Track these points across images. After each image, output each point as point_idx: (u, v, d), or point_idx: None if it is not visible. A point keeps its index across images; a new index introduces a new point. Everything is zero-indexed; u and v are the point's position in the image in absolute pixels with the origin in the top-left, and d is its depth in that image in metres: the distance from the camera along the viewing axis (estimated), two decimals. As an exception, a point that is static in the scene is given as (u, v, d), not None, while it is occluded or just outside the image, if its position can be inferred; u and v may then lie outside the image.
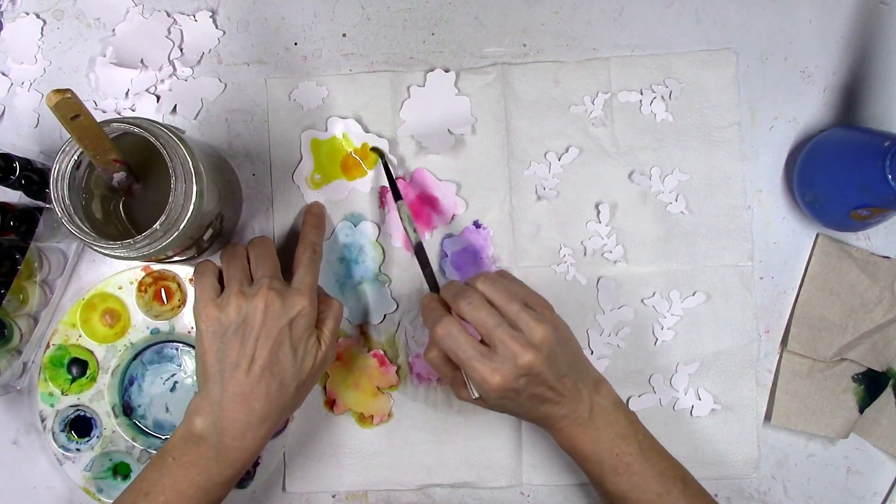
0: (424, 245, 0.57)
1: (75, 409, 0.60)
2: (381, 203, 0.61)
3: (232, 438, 0.48)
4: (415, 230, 0.56)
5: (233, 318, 0.50)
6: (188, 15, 0.62)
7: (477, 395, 0.51)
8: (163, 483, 0.48)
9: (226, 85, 0.62)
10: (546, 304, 0.53)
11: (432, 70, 0.61)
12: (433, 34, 0.62)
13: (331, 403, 0.61)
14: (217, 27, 0.62)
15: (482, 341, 0.49)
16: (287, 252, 0.58)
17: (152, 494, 0.48)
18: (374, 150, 0.60)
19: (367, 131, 0.61)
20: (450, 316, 0.50)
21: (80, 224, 0.48)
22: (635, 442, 0.51)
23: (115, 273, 0.60)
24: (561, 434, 0.52)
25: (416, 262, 0.57)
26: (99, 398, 0.60)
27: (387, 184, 0.60)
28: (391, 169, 0.59)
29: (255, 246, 0.54)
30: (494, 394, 0.49)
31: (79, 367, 0.60)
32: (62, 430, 0.60)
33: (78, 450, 0.60)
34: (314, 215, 0.59)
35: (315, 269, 0.55)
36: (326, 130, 0.61)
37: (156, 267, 0.60)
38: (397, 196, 0.58)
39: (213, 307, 0.50)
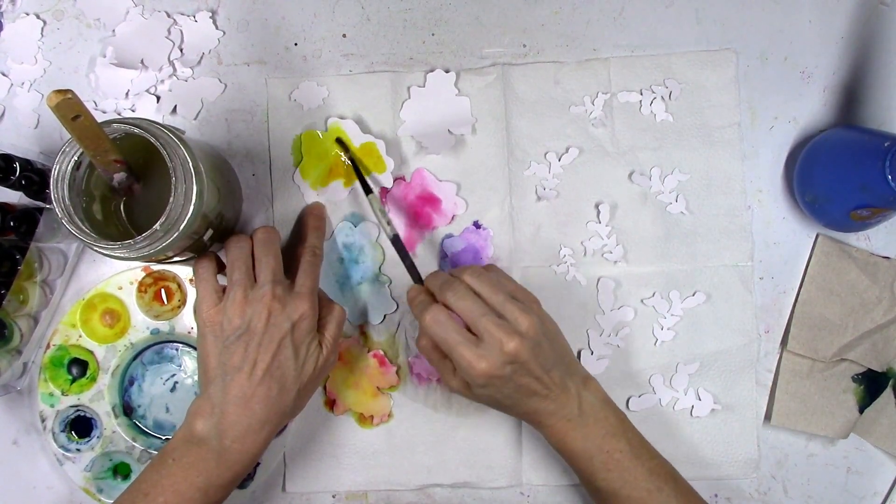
0: (424, 245, 0.57)
1: (75, 409, 0.60)
2: (382, 203, 0.61)
3: (232, 441, 0.48)
4: (388, 223, 0.57)
5: (236, 324, 0.50)
6: (188, 15, 0.62)
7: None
8: (162, 484, 0.48)
9: (226, 85, 0.62)
10: (533, 298, 0.53)
11: (432, 70, 0.61)
12: (433, 34, 0.62)
13: (331, 403, 0.61)
14: (217, 27, 0.62)
15: (470, 331, 0.50)
16: (287, 252, 0.58)
17: (151, 495, 0.48)
18: (338, 141, 0.60)
19: (367, 132, 0.61)
20: (438, 304, 0.51)
21: (80, 224, 0.48)
22: (625, 439, 0.51)
23: (115, 273, 0.60)
24: (550, 431, 0.52)
25: (416, 263, 0.57)
26: (99, 398, 0.60)
27: (387, 184, 0.60)
28: (356, 163, 0.59)
29: (260, 242, 0.54)
30: (480, 380, 0.49)
31: (79, 368, 0.60)
32: (62, 431, 0.60)
33: (78, 450, 0.60)
34: (314, 216, 0.59)
35: (315, 272, 0.55)
36: (326, 131, 0.61)
37: (156, 267, 0.60)
38: (367, 190, 0.58)
39: (216, 311, 0.51)
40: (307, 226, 0.58)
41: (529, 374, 0.49)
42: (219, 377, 0.49)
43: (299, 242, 0.57)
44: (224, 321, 0.50)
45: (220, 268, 0.54)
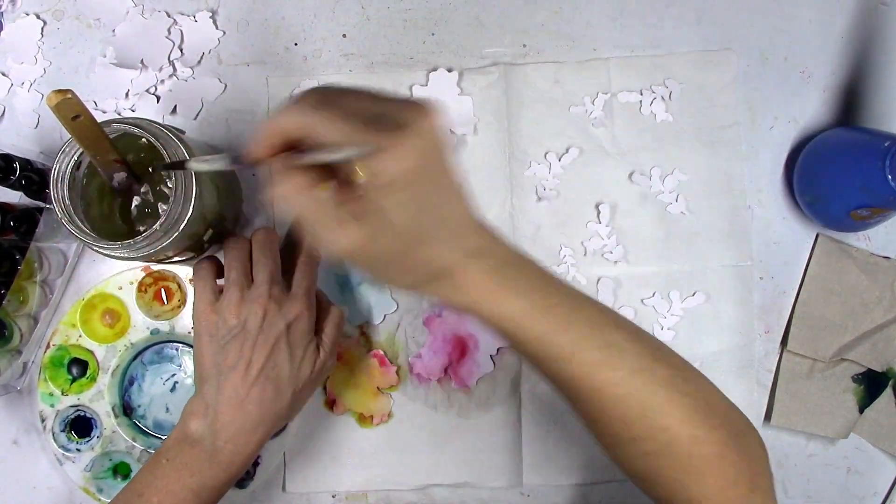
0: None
1: (75, 409, 0.60)
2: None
3: (225, 441, 0.48)
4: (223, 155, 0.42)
5: (231, 324, 0.50)
6: (188, 15, 0.62)
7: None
8: (156, 484, 0.48)
9: (226, 85, 0.62)
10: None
11: (435, 70, 0.61)
12: (433, 34, 0.62)
13: (331, 403, 0.61)
14: (217, 27, 0.62)
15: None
16: (285, 254, 0.57)
17: (145, 495, 0.47)
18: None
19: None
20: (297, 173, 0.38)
21: (80, 224, 0.48)
22: (558, 292, 0.41)
23: (115, 273, 0.60)
24: (465, 285, 0.39)
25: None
26: (99, 398, 0.60)
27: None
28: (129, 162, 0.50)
29: (258, 243, 0.54)
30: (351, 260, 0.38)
31: (79, 368, 0.60)
32: (62, 430, 0.60)
33: (78, 450, 0.60)
34: None
35: (312, 273, 0.54)
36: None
37: (156, 267, 0.60)
38: (176, 166, 0.47)
39: (212, 311, 0.50)
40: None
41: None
42: (213, 377, 0.49)
43: (297, 244, 0.57)
44: (219, 321, 0.50)
45: (220, 270, 0.54)
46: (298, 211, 0.37)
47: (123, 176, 0.50)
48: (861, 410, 0.60)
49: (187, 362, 0.61)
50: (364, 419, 0.61)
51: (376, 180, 0.35)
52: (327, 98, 0.36)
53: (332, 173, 0.38)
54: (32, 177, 0.57)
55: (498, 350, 0.60)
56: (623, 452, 0.43)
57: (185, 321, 0.60)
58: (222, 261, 0.54)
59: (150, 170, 0.52)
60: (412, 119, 0.35)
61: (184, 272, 0.60)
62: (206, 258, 0.54)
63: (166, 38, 0.61)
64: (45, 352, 0.60)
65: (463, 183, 0.40)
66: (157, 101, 0.61)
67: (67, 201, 0.48)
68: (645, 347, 0.41)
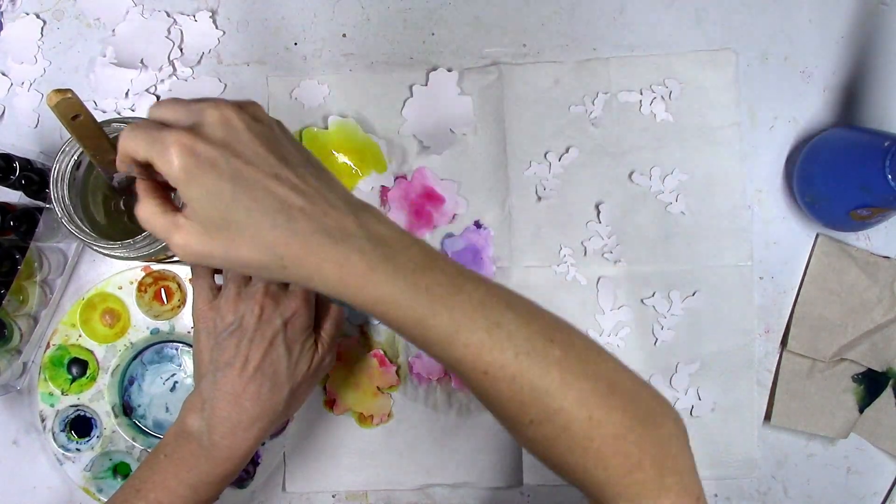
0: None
1: (75, 409, 0.60)
2: (382, 202, 0.61)
3: (221, 437, 0.48)
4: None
5: (228, 321, 0.50)
6: (188, 15, 0.62)
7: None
8: (154, 480, 0.48)
9: (226, 85, 0.62)
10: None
11: (435, 69, 0.61)
12: (433, 34, 0.62)
13: (331, 403, 0.61)
14: (217, 27, 0.62)
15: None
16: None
17: (143, 491, 0.48)
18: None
19: (369, 130, 0.61)
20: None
21: (80, 224, 0.48)
22: (438, 269, 0.39)
23: (115, 273, 0.60)
24: (342, 273, 0.37)
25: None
26: (99, 398, 0.60)
27: (388, 183, 0.60)
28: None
29: None
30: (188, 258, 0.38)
31: (79, 367, 0.60)
32: (62, 430, 0.60)
33: (78, 450, 0.60)
34: None
35: None
36: (327, 129, 0.61)
37: (156, 267, 0.60)
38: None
39: (209, 308, 0.51)
40: None
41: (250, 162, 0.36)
42: (210, 373, 0.49)
43: None
44: (217, 318, 0.50)
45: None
46: (149, 228, 0.38)
47: (123, 176, 0.50)
48: (861, 410, 0.60)
49: (187, 362, 0.61)
50: (364, 419, 0.61)
51: (170, 180, 0.37)
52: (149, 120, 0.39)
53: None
54: (32, 177, 0.57)
55: (498, 350, 0.60)
56: (523, 436, 0.42)
57: (185, 321, 0.60)
58: None
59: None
60: (195, 116, 0.37)
61: (184, 272, 0.60)
62: None
63: (166, 37, 0.61)
64: (45, 352, 0.60)
65: (301, 165, 0.38)
66: (157, 101, 0.61)
67: (67, 201, 0.48)
68: (539, 328, 0.40)
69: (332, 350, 0.54)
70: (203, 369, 0.50)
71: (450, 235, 0.61)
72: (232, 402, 0.48)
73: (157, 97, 0.61)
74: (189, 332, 0.60)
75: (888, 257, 0.60)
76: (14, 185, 0.57)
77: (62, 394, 0.60)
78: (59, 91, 0.41)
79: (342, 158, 0.61)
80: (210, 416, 0.48)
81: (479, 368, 0.39)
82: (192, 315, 0.52)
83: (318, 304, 0.54)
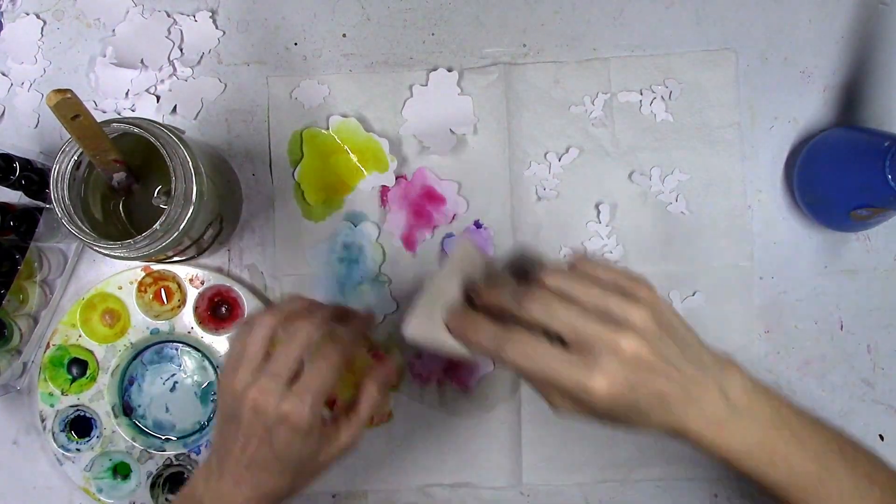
0: (425, 244, 0.56)
1: (75, 409, 0.60)
2: (382, 202, 0.61)
3: None
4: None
5: (228, 402, 0.47)
6: (188, 15, 0.62)
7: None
8: None
9: (226, 85, 0.62)
10: (640, 279, 0.44)
11: (435, 69, 0.61)
12: (433, 34, 0.62)
13: (331, 403, 0.61)
14: (217, 27, 0.62)
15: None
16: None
17: None
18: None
19: (370, 130, 0.61)
20: (519, 331, 0.42)
21: (80, 224, 0.48)
22: (786, 427, 0.44)
23: (115, 273, 0.60)
24: (698, 437, 0.43)
25: (416, 263, 0.56)
26: (99, 398, 0.60)
27: (389, 183, 0.60)
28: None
29: (286, 330, 0.47)
30: (604, 402, 0.40)
31: (79, 367, 0.60)
32: (62, 430, 0.60)
33: (78, 450, 0.60)
34: (357, 316, 0.53)
35: (324, 370, 0.47)
36: (328, 129, 0.61)
37: (156, 267, 0.60)
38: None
39: (223, 378, 0.48)
40: (352, 319, 0.52)
41: (657, 374, 0.40)
42: (220, 447, 0.48)
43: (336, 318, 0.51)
44: (227, 393, 0.47)
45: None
46: (541, 367, 0.41)
47: (123, 176, 0.50)
48: (861, 410, 0.60)
49: (187, 362, 0.61)
50: (364, 419, 0.61)
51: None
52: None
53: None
54: (32, 177, 0.57)
55: (498, 350, 0.60)
56: None
57: (184, 321, 0.60)
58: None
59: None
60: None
61: (184, 272, 0.60)
62: (252, 318, 0.49)
63: (166, 37, 0.61)
64: (44, 352, 0.60)
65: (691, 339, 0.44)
66: (157, 101, 0.61)
67: (67, 201, 0.48)
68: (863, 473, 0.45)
69: (362, 430, 0.50)
70: (214, 439, 0.49)
71: (450, 235, 0.61)
72: (231, 483, 0.47)
73: (158, 97, 0.61)
74: (189, 332, 0.60)
75: None
76: (14, 185, 0.57)
77: (62, 394, 0.60)
78: (59, 91, 0.41)
79: (344, 158, 0.61)
80: (216, 487, 0.47)
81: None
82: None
83: (369, 367, 0.51)
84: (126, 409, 0.61)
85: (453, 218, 0.61)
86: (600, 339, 0.40)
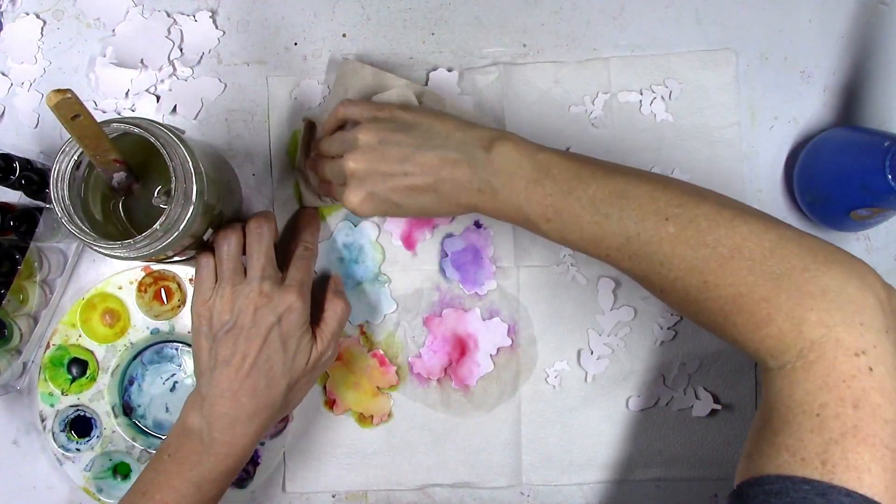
0: (425, 244, 0.56)
1: (75, 409, 0.60)
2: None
3: (221, 433, 0.49)
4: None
5: (224, 319, 0.50)
6: (188, 15, 0.62)
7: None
8: (159, 481, 0.48)
9: (226, 85, 0.62)
10: (383, 107, 0.52)
11: (435, 69, 0.61)
12: (433, 34, 0.62)
13: (331, 403, 0.61)
14: (217, 27, 0.62)
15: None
16: (281, 249, 0.57)
17: (149, 493, 0.48)
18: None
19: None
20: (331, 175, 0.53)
21: (80, 224, 0.48)
22: (548, 179, 0.46)
23: (115, 273, 0.60)
24: (481, 209, 0.49)
25: (416, 262, 0.56)
26: (99, 398, 0.60)
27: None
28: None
29: (252, 234, 0.53)
30: (363, 211, 0.50)
31: (79, 367, 0.60)
32: (62, 430, 0.60)
33: (78, 450, 0.60)
34: (307, 214, 0.60)
35: (306, 266, 0.55)
36: (326, 130, 0.61)
37: (156, 267, 0.60)
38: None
39: (206, 308, 0.51)
40: (300, 222, 0.59)
41: (392, 175, 0.49)
42: (208, 371, 0.50)
43: (292, 238, 0.58)
44: (213, 316, 0.51)
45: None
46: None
47: (123, 176, 0.50)
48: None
49: (187, 362, 0.61)
50: (364, 419, 0.61)
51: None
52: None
53: None
54: (32, 177, 0.57)
55: (498, 350, 0.60)
56: (666, 302, 0.46)
57: (184, 321, 0.60)
58: None
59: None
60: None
61: (184, 272, 0.60)
62: (204, 252, 0.54)
63: (166, 37, 0.61)
64: (44, 352, 0.60)
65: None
66: (157, 101, 0.61)
67: (67, 201, 0.48)
68: (655, 210, 0.44)
69: (333, 345, 0.54)
70: (202, 367, 0.51)
71: (450, 235, 0.61)
72: (230, 398, 0.49)
73: (158, 97, 0.61)
74: (189, 333, 0.60)
75: None
76: (14, 185, 0.57)
77: (62, 394, 0.60)
78: (58, 91, 0.41)
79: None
80: (209, 413, 0.49)
81: (601, 254, 0.46)
82: (191, 314, 0.52)
83: (323, 298, 0.54)
84: (126, 409, 0.61)
85: (453, 218, 0.61)
86: (342, 168, 0.50)
